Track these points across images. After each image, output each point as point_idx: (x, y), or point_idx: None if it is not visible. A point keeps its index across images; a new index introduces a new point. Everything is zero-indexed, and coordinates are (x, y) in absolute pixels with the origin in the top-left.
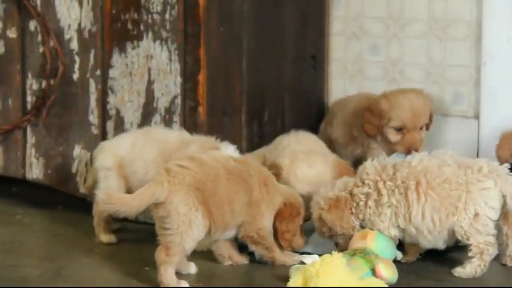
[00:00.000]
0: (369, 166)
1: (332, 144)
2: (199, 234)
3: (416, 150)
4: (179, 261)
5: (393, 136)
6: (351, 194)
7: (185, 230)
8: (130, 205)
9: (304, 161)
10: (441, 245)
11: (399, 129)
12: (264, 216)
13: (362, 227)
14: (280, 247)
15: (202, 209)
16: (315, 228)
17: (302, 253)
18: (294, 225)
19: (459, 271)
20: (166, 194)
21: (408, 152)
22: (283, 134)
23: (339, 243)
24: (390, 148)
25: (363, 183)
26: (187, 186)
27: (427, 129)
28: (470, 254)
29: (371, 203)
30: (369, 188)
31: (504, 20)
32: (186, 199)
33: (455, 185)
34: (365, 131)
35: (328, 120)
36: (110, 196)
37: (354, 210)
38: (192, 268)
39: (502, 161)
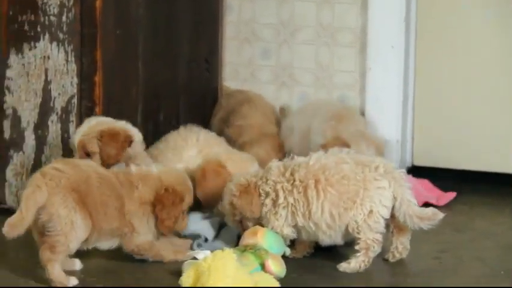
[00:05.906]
0: (273, 167)
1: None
2: (82, 234)
3: None
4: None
5: None
6: (256, 184)
7: (69, 230)
8: (26, 219)
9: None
10: (339, 240)
11: None
12: (139, 234)
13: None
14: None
15: (80, 210)
16: (226, 214)
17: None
18: (176, 212)
19: (344, 266)
20: (45, 196)
21: None
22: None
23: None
24: None
25: (266, 181)
26: (63, 188)
27: None
28: (356, 248)
29: (268, 201)
30: (270, 187)
31: (388, 28)
32: (65, 201)
33: (354, 181)
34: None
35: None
36: (12, 224)
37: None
38: (77, 264)
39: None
